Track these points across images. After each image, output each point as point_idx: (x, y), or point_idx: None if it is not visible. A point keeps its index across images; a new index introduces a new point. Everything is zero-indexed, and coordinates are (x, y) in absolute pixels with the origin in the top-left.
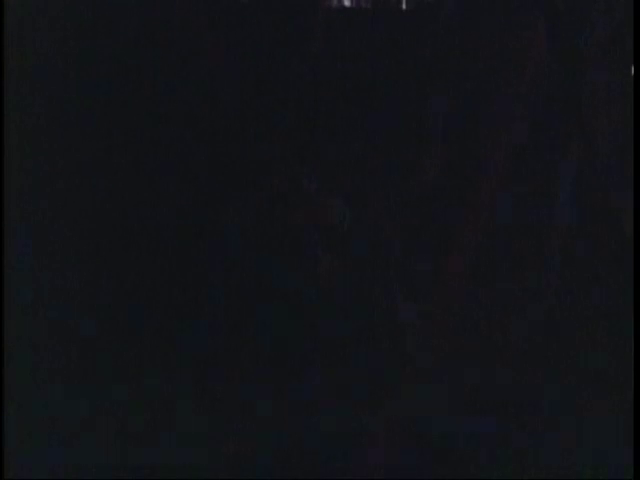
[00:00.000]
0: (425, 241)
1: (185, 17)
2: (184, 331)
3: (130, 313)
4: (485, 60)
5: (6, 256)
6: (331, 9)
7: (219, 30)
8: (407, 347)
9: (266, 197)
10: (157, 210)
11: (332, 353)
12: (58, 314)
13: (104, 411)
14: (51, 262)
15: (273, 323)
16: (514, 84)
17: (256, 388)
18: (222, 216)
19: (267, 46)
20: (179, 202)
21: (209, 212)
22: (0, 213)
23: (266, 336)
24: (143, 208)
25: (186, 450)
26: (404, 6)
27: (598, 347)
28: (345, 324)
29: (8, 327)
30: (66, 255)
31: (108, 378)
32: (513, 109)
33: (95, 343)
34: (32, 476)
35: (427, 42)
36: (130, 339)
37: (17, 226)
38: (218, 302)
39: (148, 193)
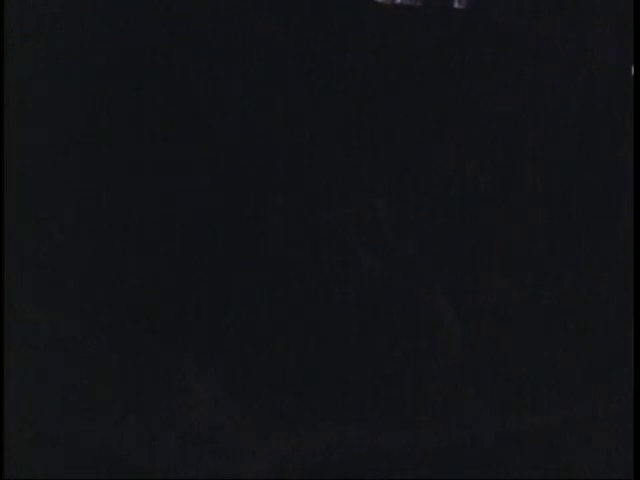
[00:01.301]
0: (469, 245)
1: (233, 16)
2: (229, 332)
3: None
4: (541, 60)
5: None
6: (382, 6)
7: (268, 26)
8: (449, 350)
9: (309, 197)
10: (202, 211)
11: (377, 361)
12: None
13: None
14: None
15: (316, 325)
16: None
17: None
18: (265, 217)
19: (316, 43)
20: (223, 203)
21: (252, 212)
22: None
23: (312, 340)
24: (188, 210)
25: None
26: (456, 4)
27: None
28: (388, 326)
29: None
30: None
31: None
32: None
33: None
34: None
35: (480, 42)
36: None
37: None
38: (262, 303)
39: (196, 193)
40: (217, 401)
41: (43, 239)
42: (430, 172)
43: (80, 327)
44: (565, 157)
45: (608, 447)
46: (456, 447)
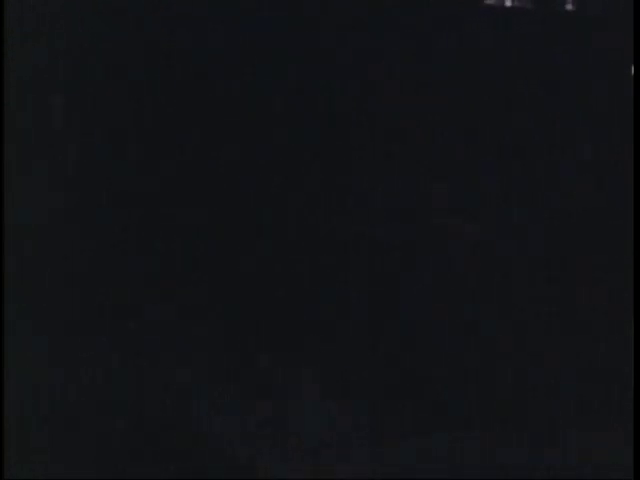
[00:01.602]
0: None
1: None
2: (327, 333)
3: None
4: None
5: None
6: (492, 8)
7: (355, 26)
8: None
9: (396, 208)
10: (292, 215)
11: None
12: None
13: None
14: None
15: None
16: None
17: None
18: (360, 223)
19: (419, 45)
20: (317, 208)
21: (350, 218)
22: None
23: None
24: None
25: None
26: (569, 6)
27: None
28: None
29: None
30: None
31: None
32: None
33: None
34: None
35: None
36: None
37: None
38: (359, 303)
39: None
40: (313, 402)
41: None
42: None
43: (189, 330)
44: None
45: None
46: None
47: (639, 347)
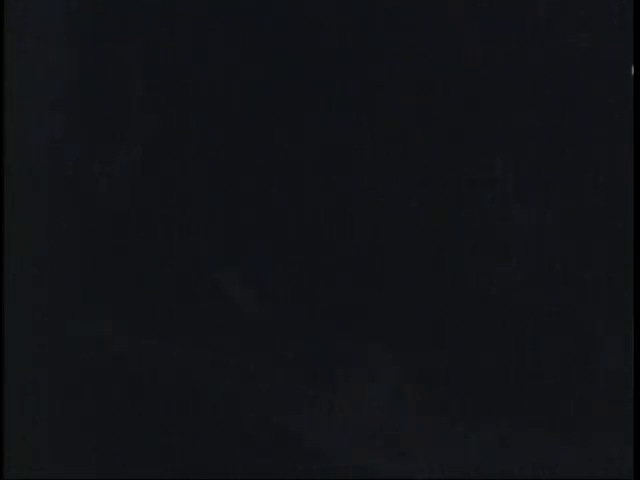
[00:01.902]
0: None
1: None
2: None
3: None
4: None
5: None
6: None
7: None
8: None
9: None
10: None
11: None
12: None
13: None
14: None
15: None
16: None
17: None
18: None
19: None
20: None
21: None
22: None
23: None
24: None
25: None
26: None
27: None
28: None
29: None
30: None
31: None
32: None
33: None
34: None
35: None
36: None
37: None
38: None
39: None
40: (394, 387)
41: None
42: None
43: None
44: None
45: None
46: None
47: (639, 347)
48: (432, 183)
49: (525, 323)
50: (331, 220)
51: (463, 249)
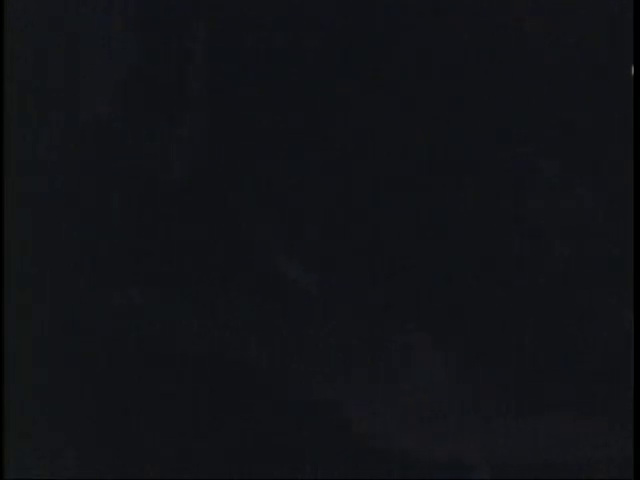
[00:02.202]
0: None
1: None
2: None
3: None
4: None
5: None
6: None
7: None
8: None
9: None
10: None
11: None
12: None
13: None
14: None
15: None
16: None
17: None
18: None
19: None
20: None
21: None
22: None
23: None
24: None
25: None
26: None
27: None
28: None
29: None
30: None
31: None
32: None
33: None
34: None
35: None
36: None
37: None
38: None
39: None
40: (443, 370)
41: None
42: None
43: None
44: None
45: None
46: None
47: (639, 347)
48: (481, 176)
49: (575, 312)
50: (387, 208)
51: (511, 236)
